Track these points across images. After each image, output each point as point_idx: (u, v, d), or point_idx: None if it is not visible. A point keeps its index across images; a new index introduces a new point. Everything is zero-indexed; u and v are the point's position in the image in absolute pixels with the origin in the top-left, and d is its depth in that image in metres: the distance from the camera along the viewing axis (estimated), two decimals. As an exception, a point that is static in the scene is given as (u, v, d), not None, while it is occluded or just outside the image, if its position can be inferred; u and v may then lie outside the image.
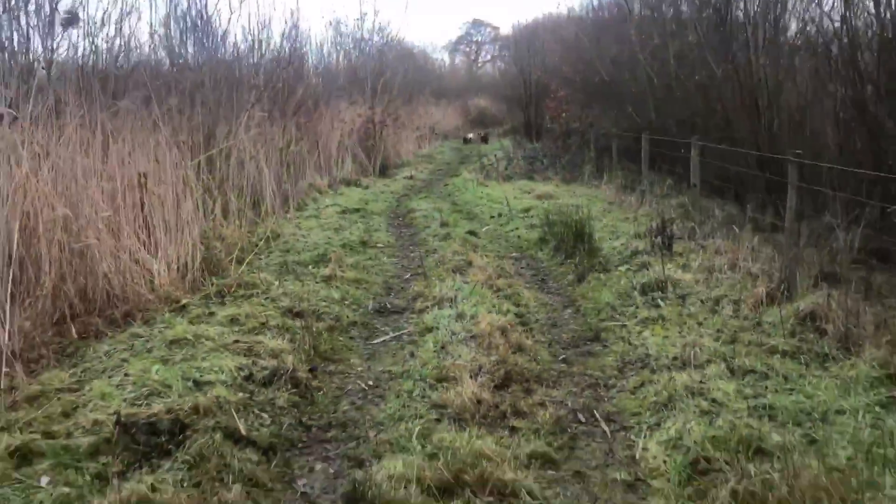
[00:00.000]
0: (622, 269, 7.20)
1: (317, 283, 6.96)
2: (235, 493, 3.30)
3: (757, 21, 10.83)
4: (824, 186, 7.47)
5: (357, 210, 12.02)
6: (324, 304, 6.34)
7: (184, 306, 6.16)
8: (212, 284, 6.76)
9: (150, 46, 10.74)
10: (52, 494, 3.12)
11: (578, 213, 8.82)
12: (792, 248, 5.83)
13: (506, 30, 51.03)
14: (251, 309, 5.88)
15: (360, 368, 5.12)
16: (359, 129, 19.07)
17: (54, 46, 7.85)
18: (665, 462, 3.47)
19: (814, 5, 10.33)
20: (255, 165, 11.00)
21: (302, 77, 16.87)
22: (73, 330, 5.60)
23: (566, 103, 19.71)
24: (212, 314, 5.86)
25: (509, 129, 30.00)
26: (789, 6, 10.92)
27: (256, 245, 8.46)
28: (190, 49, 12.01)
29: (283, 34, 15.77)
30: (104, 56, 8.90)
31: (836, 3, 9.16)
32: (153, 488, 3.16)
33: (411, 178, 18.08)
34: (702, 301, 5.93)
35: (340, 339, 5.68)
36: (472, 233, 9.87)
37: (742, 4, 11.42)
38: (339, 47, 23.24)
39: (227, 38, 12.73)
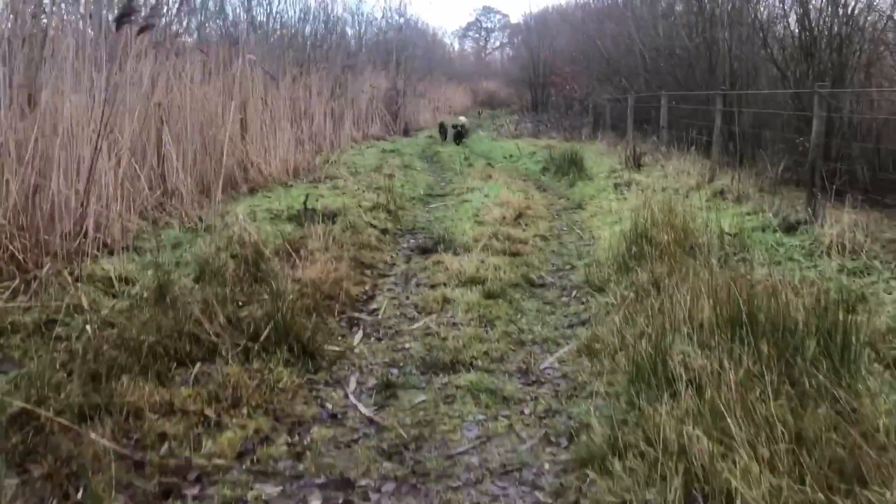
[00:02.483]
0: (602, 177, 9.90)
1: (381, 177, 9.63)
2: (373, 239, 6.02)
3: (723, 6, 13.46)
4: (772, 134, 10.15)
5: (393, 151, 14.70)
6: (391, 186, 9.02)
7: (291, 186, 8.83)
8: (306, 176, 9.44)
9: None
10: (276, 228, 5.80)
11: (574, 149, 11.51)
12: (717, 154, 8.51)
13: (515, 18, 53.46)
14: (344, 184, 8.58)
15: (424, 213, 7.84)
16: (384, 95, 21.72)
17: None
18: (608, 236, 6.18)
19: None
20: (315, 113, 13.68)
21: (340, 44, 19.55)
22: (219, 193, 8.27)
23: (571, 79, 22.37)
24: (316, 186, 8.55)
25: (517, 109, 32.61)
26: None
27: (324, 163, 11.13)
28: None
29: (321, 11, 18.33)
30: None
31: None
32: (331, 230, 5.84)
33: (431, 137, 20.70)
34: (654, 190, 8.61)
35: (407, 202, 8.38)
36: (489, 164, 12.56)
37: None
38: (361, 24, 25.67)
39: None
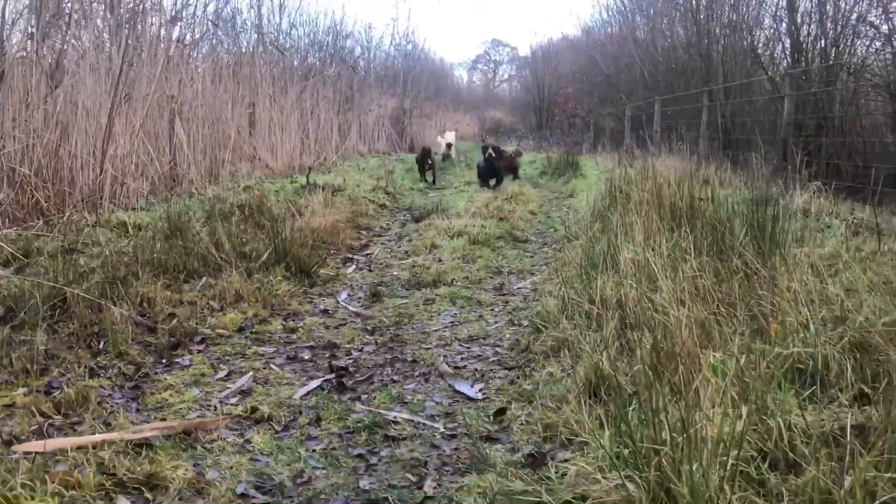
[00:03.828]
0: (595, 174, 10.32)
1: (383, 172, 10.08)
2: (371, 210, 6.43)
3: (715, 22, 14.00)
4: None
5: (397, 160, 15.18)
6: (391, 178, 9.46)
7: (294, 177, 9.28)
8: (308, 170, 9.90)
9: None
10: (280, 194, 6.21)
11: (572, 156, 11.98)
12: (704, 146, 8.92)
13: (524, 51, 54.33)
14: (347, 173, 9.01)
15: (421, 199, 8.25)
16: (391, 113, 22.35)
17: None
18: (585, 203, 6.57)
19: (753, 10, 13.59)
20: (321, 120, 14.20)
21: (346, 65, 20.21)
22: (227, 176, 8.71)
23: (573, 97, 22.96)
24: (322, 175, 8.99)
25: (522, 133, 33.30)
26: (742, 11, 14.11)
27: (331, 164, 11.60)
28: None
29: (331, 32, 19.03)
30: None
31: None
32: (331, 198, 6.25)
33: (436, 153, 21.22)
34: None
35: (406, 191, 8.80)
36: (489, 169, 13.00)
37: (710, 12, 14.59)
38: (369, 49, 26.48)
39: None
